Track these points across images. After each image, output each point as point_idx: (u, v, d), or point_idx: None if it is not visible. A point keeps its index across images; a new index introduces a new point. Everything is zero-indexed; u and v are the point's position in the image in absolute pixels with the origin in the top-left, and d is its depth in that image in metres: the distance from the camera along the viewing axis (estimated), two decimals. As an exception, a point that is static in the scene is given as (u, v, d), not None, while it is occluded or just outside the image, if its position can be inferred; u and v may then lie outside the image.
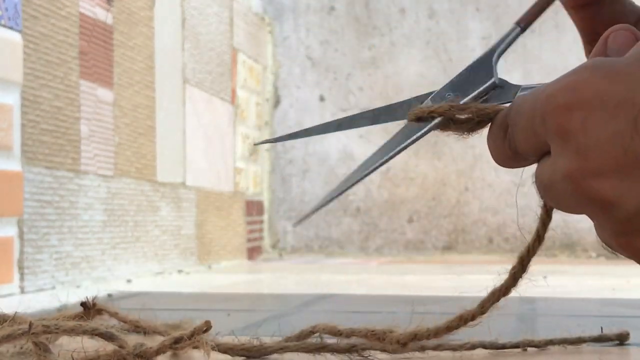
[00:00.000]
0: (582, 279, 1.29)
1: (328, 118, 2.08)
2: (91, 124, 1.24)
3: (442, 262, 1.85)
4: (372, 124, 0.49)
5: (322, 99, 2.09)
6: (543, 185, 0.40)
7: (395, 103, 0.48)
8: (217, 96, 1.74)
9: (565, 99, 0.37)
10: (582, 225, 1.94)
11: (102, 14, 1.27)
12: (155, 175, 1.45)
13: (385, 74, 2.07)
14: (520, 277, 0.51)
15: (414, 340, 0.54)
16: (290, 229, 2.09)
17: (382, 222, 2.05)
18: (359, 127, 0.49)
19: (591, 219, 0.38)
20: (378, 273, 1.52)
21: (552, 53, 1.97)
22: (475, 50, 2.03)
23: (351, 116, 0.49)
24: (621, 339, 0.62)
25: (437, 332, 0.54)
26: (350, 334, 0.55)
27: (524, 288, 0.53)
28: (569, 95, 0.37)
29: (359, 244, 2.06)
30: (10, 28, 1.04)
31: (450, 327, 0.53)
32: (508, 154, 0.42)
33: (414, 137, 0.46)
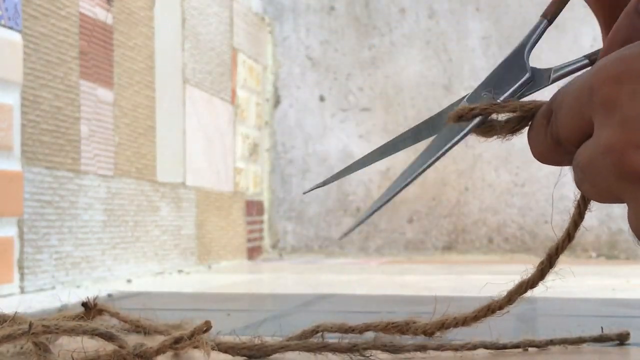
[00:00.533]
0: (582, 279, 1.29)
1: (328, 118, 2.08)
2: (91, 124, 1.23)
3: (442, 262, 1.85)
4: (414, 143, 0.48)
5: (322, 99, 2.09)
6: (581, 166, 0.39)
7: (433, 115, 0.48)
8: (217, 96, 1.74)
9: (616, 70, 0.37)
10: (582, 225, 1.93)
11: (102, 14, 1.27)
12: (155, 175, 1.45)
13: (385, 74, 2.07)
14: (548, 272, 0.51)
15: (441, 329, 0.54)
16: (290, 229, 2.09)
17: (382, 222, 2.05)
18: (402, 149, 0.49)
19: (627, 199, 0.37)
20: (378, 273, 1.52)
21: (552, 53, 1.96)
22: (475, 50, 2.03)
23: (392, 140, 0.49)
24: (621, 339, 0.62)
25: (465, 321, 0.54)
26: (364, 329, 0.55)
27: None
28: (619, 66, 0.37)
29: (359, 244, 2.06)
30: (10, 28, 1.04)
31: (477, 316, 0.54)
32: (549, 145, 0.41)
33: (456, 138, 0.45)
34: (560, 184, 2.07)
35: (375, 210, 0.46)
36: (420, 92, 2.04)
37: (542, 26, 0.48)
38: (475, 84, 2.03)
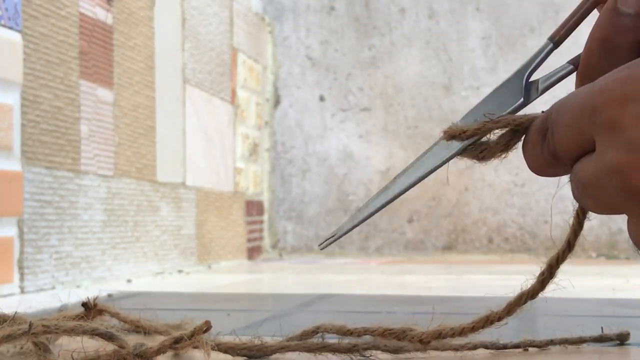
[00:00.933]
0: (582, 279, 1.29)
1: (328, 118, 2.08)
2: (91, 124, 1.23)
3: (442, 262, 1.85)
4: (423, 176, 0.47)
5: (322, 99, 2.09)
6: (583, 182, 0.39)
7: (431, 146, 0.47)
8: (217, 96, 1.74)
9: (619, 91, 0.37)
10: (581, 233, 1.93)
11: (102, 14, 1.27)
12: (155, 175, 1.45)
13: (385, 74, 2.07)
14: (548, 282, 0.51)
15: (438, 338, 0.54)
16: (290, 229, 2.09)
17: (382, 222, 2.05)
18: (411, 185, 0.46)
19: (631, 216, 0.38)
20: (378, 273, 1.52)
21: (552, 53, 1.96)
22: (475, 50, 2.03)
23: (400, 173, 0.47)
24: (621, 339, 0.62)
25: (462, 331, 0.54)
26: (362, 332, 0.55)
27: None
28: (623, 88, 0.37)
29: (359, 244, 2.06)
30: (10, 28, 1.04)
31: (475, 327, 0.54)
32: (546, 159, 0.41)
33: (445, 158, 0.45)
34: (559, 184, 2.06)
35: (357, 225, 0.45)
36: (420, 92, 2.04)
37: (547, 49, 0.47)
38: (475, 83, 2.03)
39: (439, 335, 0.54)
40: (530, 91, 0.46)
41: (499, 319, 0.53)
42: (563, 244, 0.50)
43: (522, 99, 0.45)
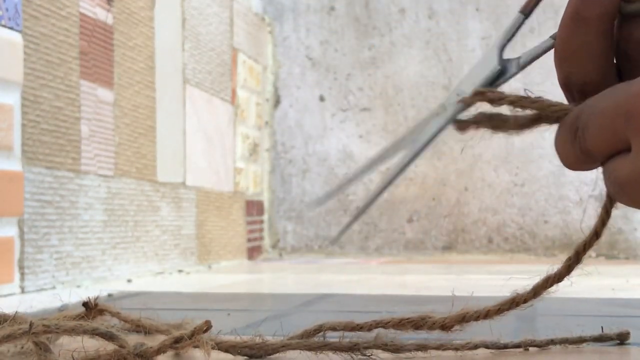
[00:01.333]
0: (582, 279, 1.29)
1: (328, 118, 2.08)
2: (91, 124, 1.24)
3: (442, 262, 1.85)
4: (412, 143, 0.49)
5: (322, 99, 2.09)
6: (619, 182, 0.39)
7: (426, 117, 0.48)
8: (217, 96, 1.74)
9: None
10: (582, 225, 1.94)
11: (102, 14, 1.27)
12: (155, 175, 1.45)
13: (385, 74, 2.07)
14: (575, 267, 0.52)
15: (462, 322, 0.53)
16: (290, 229, 2.09)
17: (382, 222, 2.05)
18: (400, 150, 0.49)
19: None
20: (378, 273, 1.52)
21: (552, 52, 1.96)
22: (475, 50, 2.03)
23: (392, 142, 0.49)
24: (621, 339, 0.62)
25: (488, 314, 0.53)
26: (374, 326, 0.55)
27: (524, 289, 0.54)
28: None
29: (359, 244, 2.07)
30: (11, 28, 1.04)
31: (501, 309, 0.53)
32: (578, 157, 0.42)
33: (452, 114, 0.46)
34: (560, 184, 2.07)
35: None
36: (420, 92, 2.04)
37: (518, 21, 0.49)
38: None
39: (463, 319, 0.53)
40: (510, 65, 0.47)
41: (525, 301, 0.53)
42: (590, 232, 0.50)
43: (497, 66, 0.46)
